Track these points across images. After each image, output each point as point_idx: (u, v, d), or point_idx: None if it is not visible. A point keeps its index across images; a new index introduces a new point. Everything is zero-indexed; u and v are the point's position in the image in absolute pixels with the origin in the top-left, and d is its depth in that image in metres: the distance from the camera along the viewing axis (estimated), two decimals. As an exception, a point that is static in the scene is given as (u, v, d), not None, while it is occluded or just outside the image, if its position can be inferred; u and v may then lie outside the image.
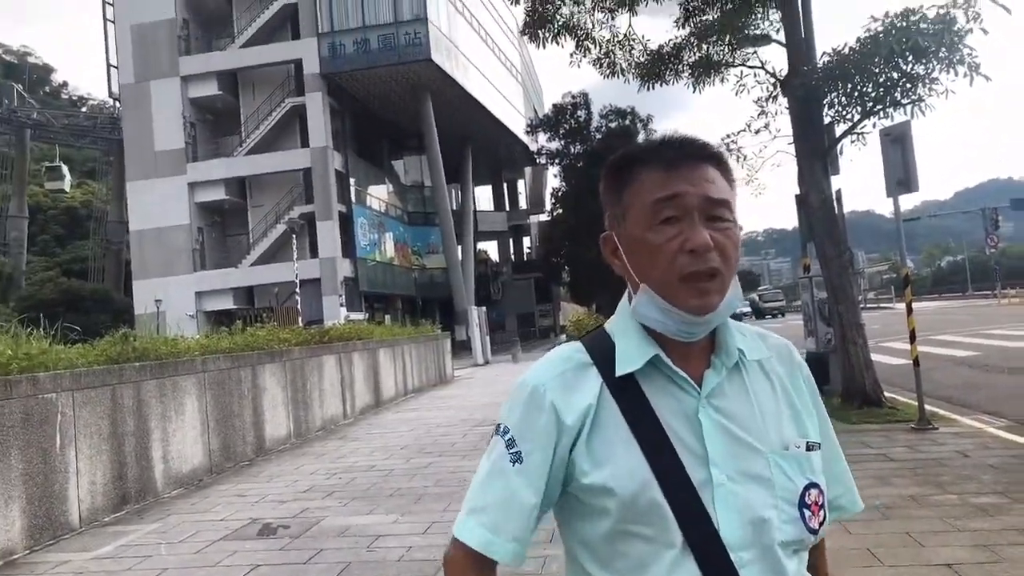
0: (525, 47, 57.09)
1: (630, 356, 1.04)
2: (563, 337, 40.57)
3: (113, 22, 39.53)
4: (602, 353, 1.07)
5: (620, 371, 1.03)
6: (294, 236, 28.64)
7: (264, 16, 37.19)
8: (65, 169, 52.37)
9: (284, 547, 5.13)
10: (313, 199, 35.97)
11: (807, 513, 1.01)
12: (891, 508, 4.75)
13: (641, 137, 38.63)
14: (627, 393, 1.03)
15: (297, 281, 27.66)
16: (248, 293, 36.69)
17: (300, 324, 17.34)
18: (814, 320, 10.55)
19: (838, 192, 9.59)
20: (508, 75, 52.23)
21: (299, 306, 26.02)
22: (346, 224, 37.06)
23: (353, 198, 37.99)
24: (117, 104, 43.75)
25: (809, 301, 10.88)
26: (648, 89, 11.83)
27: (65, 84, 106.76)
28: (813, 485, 1.02)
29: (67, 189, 56.20)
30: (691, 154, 1.03)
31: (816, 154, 9.42)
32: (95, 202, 60.82)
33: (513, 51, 54.48)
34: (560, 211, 40.15)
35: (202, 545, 5.34)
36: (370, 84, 38.24)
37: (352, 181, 38.30)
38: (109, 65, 41.02)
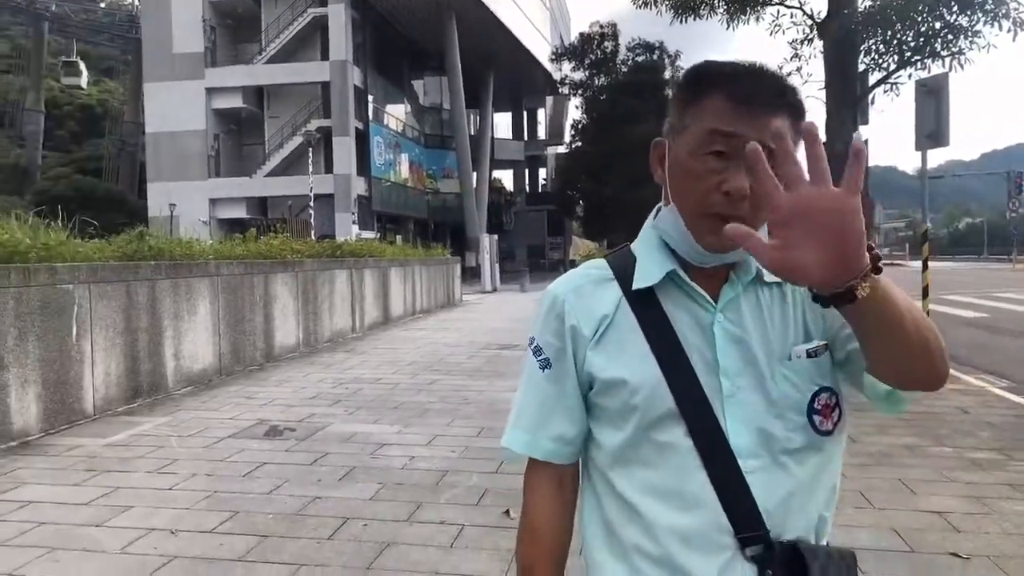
0: (556, -30, 55.26)
1: (649, 270, 1.06)
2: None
3: (135, -86, 38.36)
4: (623, 269, 1.10)
5: (638, 284, 1.06)
6: (310, 149, 28.44)
7: (289, -82, 36.04)
8: (82, 65, 51.63)
9: (290, 448, 5.29)
10: (331, 113, 35.55)
11: (817, 419, 1.02)
12: (886, 456, 4.84)
13: (668, 74, 37.75)
14: (645, 305, 1.05)
15: (311, 195, 27.61)
16: (261, 203, 36.68)
17: (312, 238, 17.39)
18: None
19: (865, 142, 9.43)
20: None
21: (312, 220, 26.04)
22: (362, 141, 36.70)
23: (371, 115, 37.51)
24: (136, 2, 42.89)
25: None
26: (681, 22, 11.50)
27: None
28: (824, 389, 1.03)
29: (84, 86, 55.56)
30: (767, 96, 0.96)
31: (847, 102, 9.22)
32: (111, 101, 60.32)
33: (543, -26, 52.83)
34: (579, 144, 39.60)
35: (211, 441, 5.51)
36: (394, -2, 37.28)
37: (370, 98, 37.75)
38: (129, -40, 39.97)
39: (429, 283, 17.94)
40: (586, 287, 1.10)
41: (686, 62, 40.07)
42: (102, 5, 71.43)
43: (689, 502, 1.00)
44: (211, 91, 36.19)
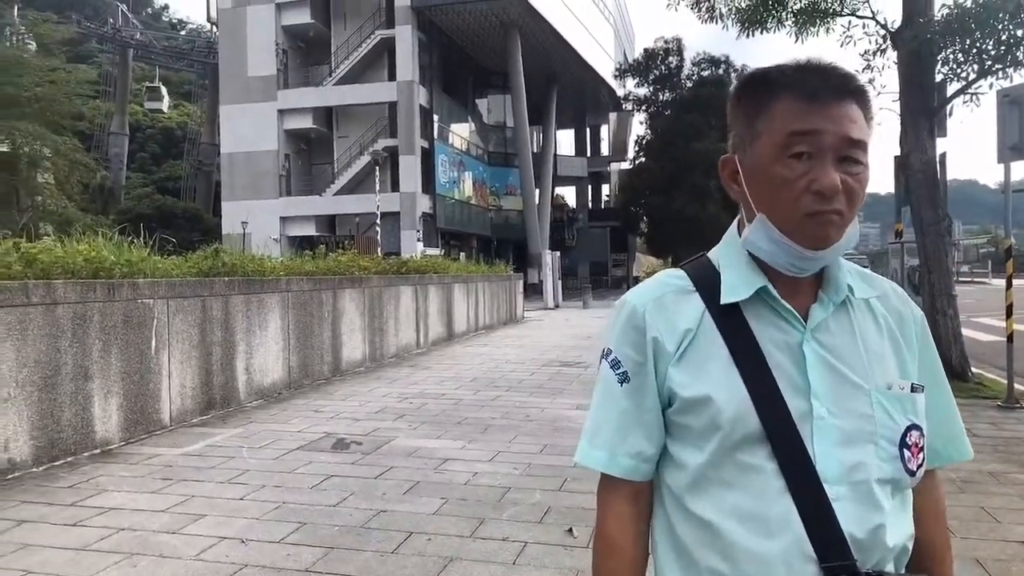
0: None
1: (737, 286, 1.04)
2: (636, 288, 40.26)
3: (214, -54, 40.22)
4: (705, 280, 1.07)
5: (726, 299, 1.03)
6: (377, 168, 29.04)
7: (359, -56, 37.14)
8: (164, 90, 54.29)
9: (356, 461, 5.37)
10: (397, 133, 36.29)
11: (907, 454, 1.00)
12: (968, 483, 4.62)
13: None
14: (730, 321, 1.03)
15: (378, 213, 28.15)
16: (330, 221, 37.64)
17: (379, 255, 17.72)
18: (903, 287, 10.13)
19: (943, 155, 9.08)
20: (599, 16, 50.82)
21: (379, 237, 26.54)
22: (427, 160, 37.33)
23: (436, 134, 38.14)
24: (214, 29, 44.82)
25: (899, 268, 10.45)
26: (748, 36, 11.33)
27: (166, 7, 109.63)
28: (915, 427, 1.01)
29: (165, 109, 58.36)
30: (835, 86, 0.97)
31: (923, 113, 8.90)
32: (190, 123, 62.95)
33: (606, -9, 52.91)
34: (643, 160, 39.38)
35: (280, 452, 5.64)
36: (460, 19, 37.92)
37: (436, 117, 38.40)
38: (208, -11, 41.88)
39: (492, 299, 18.05)
40: (667, 298, 1.07)
41: (753, 76, 39.48)
42: (183, 32, 75.00)
43: (772, 527, 0.97)
44: (283, 112, 37.44)
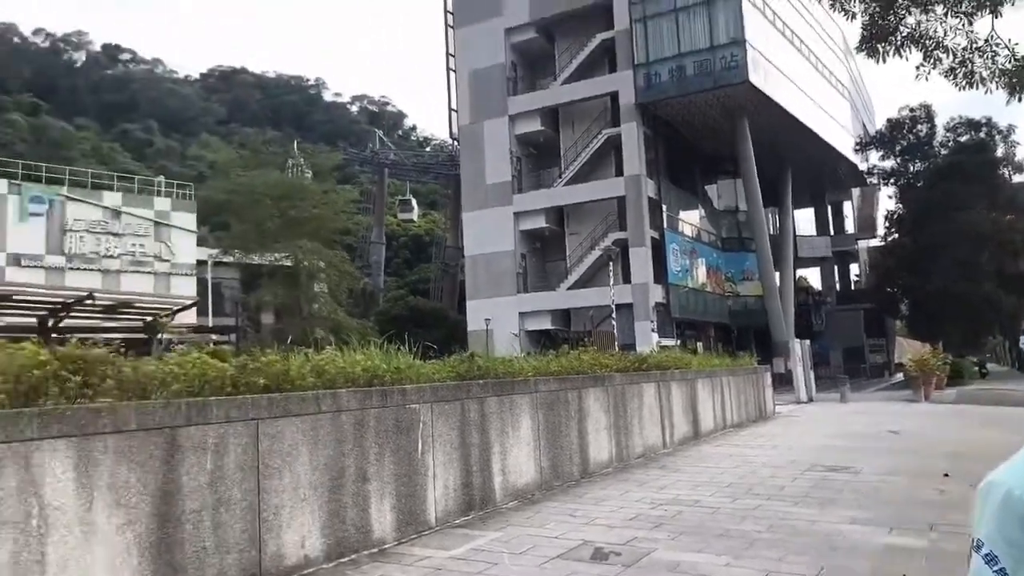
0: (853, 60, 52.72)
1: None
2: (899, 376, 36.28)
3: (454, 71, 44.77)
4: None
5: None
6: (610, 262, 29.51)
7: (583, 53, 39.22)
8: (414, 202, 60.42)
9: (617, 574, 5.18)
10: (626, 226, 36.84)
11: None
12: None
13: (1000, 151, 33.46)
14: None
15: (613, 306, 28.41)
16: (565, 315, 38.66)
17: (616, 348, 17.71)
18: None
19: None
20: (833, 91, 48.59)
21: (615, 330, 26.66)
22: (658, 250, 37.34)
23: (665, 224, 38.20)
24: (455, 143, 49.34)
25: None
26: (1018, 100, 10.28)
27: (414, 127, 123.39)
28: None
29: (415, 219, 64.75)
30: None
31: None
32: (436, 230, 69.13)
33: (839, 65, 50.59)
34: (896, 235, 36.27)
35: (541, 560, 5.60)
36: (684, 111, 38.28)
37: (664, 207, 38.56)
38: (451, 109, 46.46)
39: (738, 394, 17.15)
40: None
41: (1021, 136, 35.31)
42: (427, 149, 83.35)
43: None
44: (518, 215, 39.74)
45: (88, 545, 4.09)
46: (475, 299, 40.05)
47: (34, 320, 15.33)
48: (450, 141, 55.33)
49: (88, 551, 4.09)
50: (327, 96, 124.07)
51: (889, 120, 37.56)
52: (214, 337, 24.32)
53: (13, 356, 4.10)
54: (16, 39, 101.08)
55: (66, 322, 15.74)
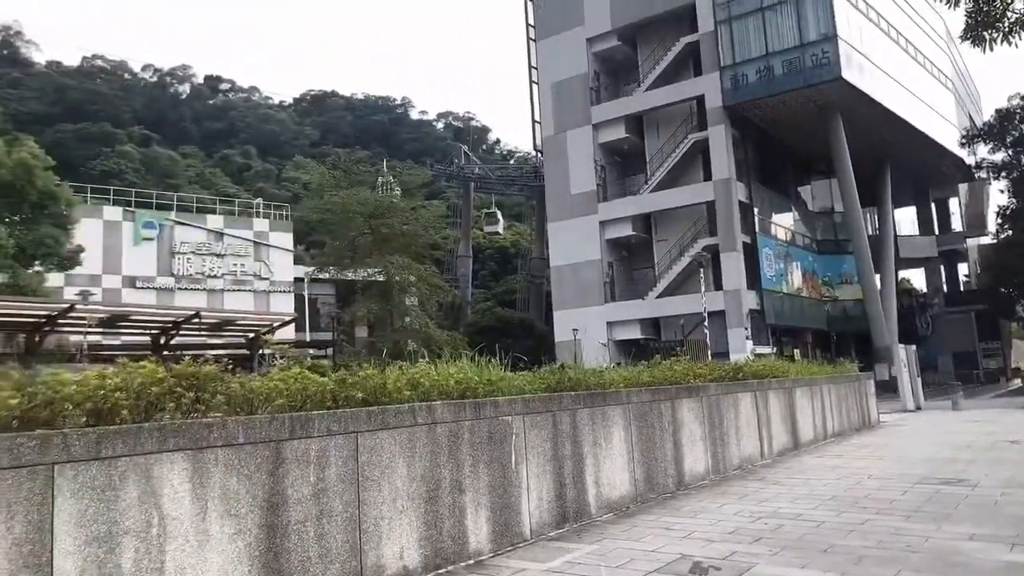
0: (957, 50, 50.00)
1: None
2: (1017, 382, 33.96)
3: (537, 83, 45.07)
4: None
5: None
6: (701, 269, 28.92)
7: (667, 58, 38.74)
8: (499, 214, 61.01)
9: (718, 591, 5.04)
10: (716, 231, 36.05)
11: None
12: None
13: None
14: None
15: (705, 314, 27.81)
16: (654, 324, 38.10)
17: (708, 357, 17.31)
18: None
19: None
20: (935, 83, 46.19)
21: (707, 339, 26.08)
22: (750, 255, 36.37)
23: (757, 228, 37.19)
24: (539, 155, 49.60)
25: None
26: None
27: (498, 141, 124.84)
28: None
29: (500, 231, 65.30)
30: None
31: None
32: (521, 241, 69.55)
33: (941, 56, 48.06)
34: (1009, 232, 34.12)
35: (638, 574, 5.52)
36: (774, 111, 37.22)
37: (756, 211, 37.55)
38: (534, 121, 46.80)
39: (839, 403, 16.45)
40: None
41: None
42: (511, 161, 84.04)
43: None
44: (604, 224, 39.51)
45: (202, 553, 4.30)
46: (562, 309, 40.00)
47: (148, 338, 16.30)
48: (534, 153, 55.73)
49: (202, 559, 4.29)
50: (413, 114, 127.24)
51: (998, 111, 35.45)
52: (312, 351, 25.24)
53: (134, 374, 4.37)
54: (127, 75, 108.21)
55: (175, 340, 16.66)
